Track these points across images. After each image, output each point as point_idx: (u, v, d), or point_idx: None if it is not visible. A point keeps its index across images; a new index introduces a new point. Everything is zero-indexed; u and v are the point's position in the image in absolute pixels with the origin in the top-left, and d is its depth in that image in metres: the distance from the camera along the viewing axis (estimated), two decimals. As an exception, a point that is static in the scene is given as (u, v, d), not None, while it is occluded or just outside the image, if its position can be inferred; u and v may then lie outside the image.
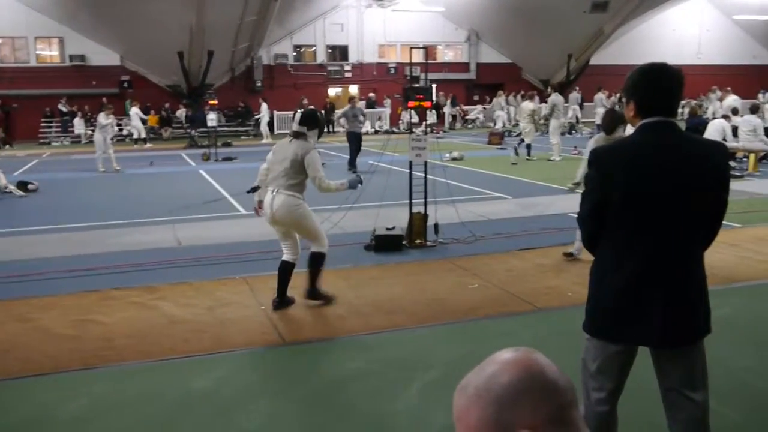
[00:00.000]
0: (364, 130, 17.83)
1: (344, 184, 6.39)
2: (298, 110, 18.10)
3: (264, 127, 28.26)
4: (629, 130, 3.68)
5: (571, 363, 3.10)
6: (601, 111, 23.62)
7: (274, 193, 6.10)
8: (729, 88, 20.81)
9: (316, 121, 6.39)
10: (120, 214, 11.56)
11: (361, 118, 17.34)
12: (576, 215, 3.17)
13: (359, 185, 6.64)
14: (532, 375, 1.18)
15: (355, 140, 17.02)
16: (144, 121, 27.59)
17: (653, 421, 3.39)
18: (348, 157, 16.99)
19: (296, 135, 6.28)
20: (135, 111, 26.90)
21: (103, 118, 17.84)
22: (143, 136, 26.95)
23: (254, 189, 6.66)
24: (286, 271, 6.41)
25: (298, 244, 6.46)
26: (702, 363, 2.95)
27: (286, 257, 6.42)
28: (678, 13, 37.60)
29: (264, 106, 28.36)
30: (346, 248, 8.34)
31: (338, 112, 23.14)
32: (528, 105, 19.41)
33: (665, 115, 2.83)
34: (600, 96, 28.75)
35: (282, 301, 6.41)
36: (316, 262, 6.36)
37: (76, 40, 29.85)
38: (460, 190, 12.43)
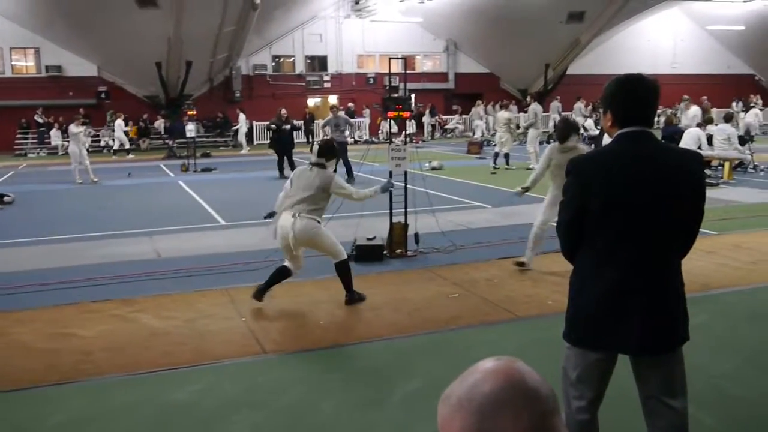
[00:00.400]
0: (350, 140, 17.85)
1: (377, 191, 7.17)
2: (275, 121, 18.14)
3: (242, 138, 28.16)
4: (606, 140, 3.73)
5: (551, 371, 3.12)
6: (580, 120, 23.82)
7: (295, 217, 6.49)
8: (686, 97, 20.92)
9: (333, 152, 7.00)
10: (98, 226, 11.46)
11: (343, 127, 17.34)
12: (555, 224, 3.19)
13: (390, 187, 7.56)
14: (513, 384, 1.19)
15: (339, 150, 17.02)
16: (126, 133, 27.40)
17: (633, 429, 3.41)
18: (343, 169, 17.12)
19: (317, 165, 6.77)
20: (119, 123, 26.76)
21: (73, 128, 17.73)
22: (126, 146, 26.76)
23: (271, 215, 7.08)
24: (282, 273, 6.81)
25: (302, 263, 6.94)
26: (681, 370, 2.99)
27: (287, 265, 6.83)
28: (653, 23, 38.08)
29: (242, 116, 28.29)
30: (326, 258, 8.32)
31: (320, 122, 23.08)
32: (504, 114, 19.51)
33: (642, 125, 2.87)
34: (579, 105, 28.99)
35: (263, 290, 6.73)
36: (344, 270, 6.79)
37: (53, 51, 29.60)
38: (440, 199, 12.47)
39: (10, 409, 4.65)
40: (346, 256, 6.84)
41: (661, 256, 2.88)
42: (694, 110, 18.97)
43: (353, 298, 6.80)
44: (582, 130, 25.83)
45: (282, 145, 18.15)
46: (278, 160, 18.06)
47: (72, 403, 4.71)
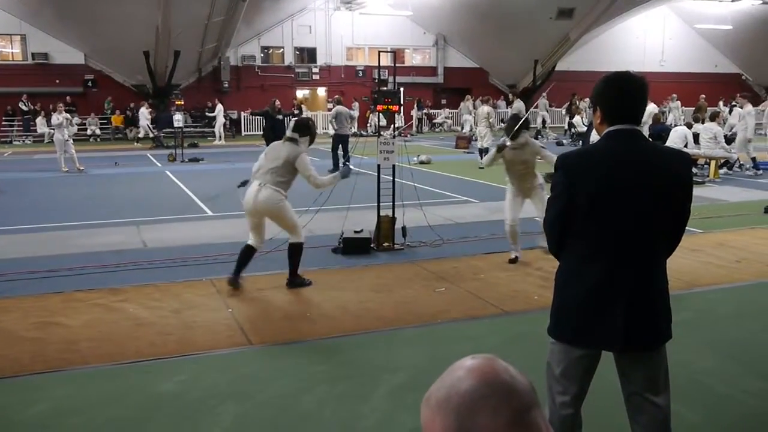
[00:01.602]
0: (344, 132, 17.93)
1: (336, 177, 7.29)
2: (269, 111, 18.14)
3: (219, 129, 27.79)
4: (594, 137, 3.75)
5: (537, 366, 3.15)
6: (577, 119, 23.95)
7: (260, 186, 6.75)
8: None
9: (307, 129, 7.06)
10: (84, 215, 11.40)
11: (343, 120, 17.47)
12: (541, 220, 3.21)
13: (350, 173, 7.53)
14: (488, 381, 1.22)
15: (337, 142, 17.26)
16: (150, 121, 27.18)
17: (617, 424, 3.45)
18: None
19: (289, 140, 6.95)
20: (143, 111, 26.79)
21: (55, 119, 17.65)
22: (150, 135, 26.62)
23: (244, 183, 7.30)
24: (247, 254, 6.98)
25: (264, 236, 7.10)
26: (664, 368, 3.02)
27: (251, 242, 7.01)
28: (642, 21, 38.21)
29: (219, 106, 27.80)
30: (313, 251, 8.32)
31: (308, 113, 22.93)
32: (484, 109, 19.52)
33: (630, 123, 2.89)
34: (543, 101, 29.00)
35: (236, 279, 6.93)
36: (296, 252, 7.00)
37: (39, 38, 29.31)
38: (428, 193, 12.48)
39: (-6, 398, 4.63)
40: (303, 240, 7.06)
41: (647, 255, 2.90)
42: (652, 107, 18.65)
43: (295, 281, 7.01)
44: (570, 128, 26.01)
45: (276, 134, 18.15)
46: None
47: (57, 392, 4.70)
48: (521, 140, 7.74)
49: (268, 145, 17.87)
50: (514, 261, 8.02)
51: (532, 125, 26.41)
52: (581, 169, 2.89)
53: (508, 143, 7.75)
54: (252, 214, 6.92)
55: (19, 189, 14.55)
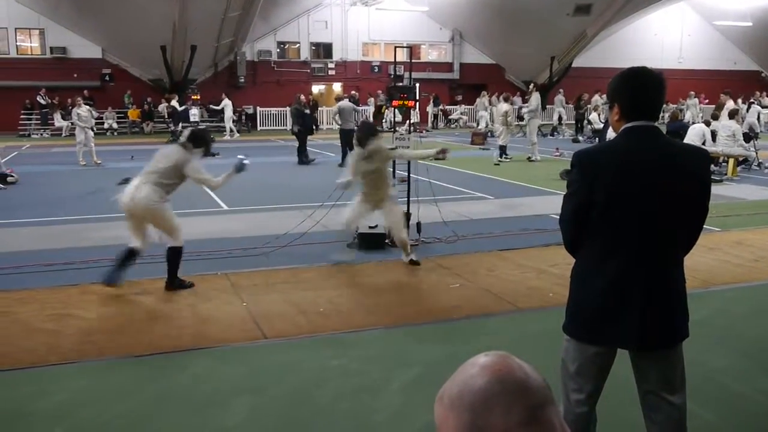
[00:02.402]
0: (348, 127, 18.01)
1: (231, 174, 7.11)
2: (297, 106, 18.24)
3: (228, 123, 27.42)
4: (611, 134, 3.70)
5: (551, 364, 3.14)
6: (594, 116, 23.77)
7: (141, 184, 6.53)
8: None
9: (203, 142, 6.95)
10: (100, 208, 11.44)
11: (348, 115, 17.55)
12: (557, 216, 3.18)
13: (245, 167, 7.19)
14: (501, 379, 1.21)
15: (343, 136, 17.37)
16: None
17: (632, 422, 3.42)
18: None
19: (182, 146, 6.81)
20: (227, 102, 26.97)
21: (81, 112, 17.77)
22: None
23: (126, 180, 7.19)
24: (128, 256, 6.73)
25: (147, 239, 6.86)
26: (680, 366, 2.99)
27: (133, 245, 6.77)
28: (660, 17, 37.90)
29: (226, 100, 27.39)
30: (328, 246, 8.33)
31: (324, 109, 22.80)
32: (503, 106, 19.46)
33: (648, 119, 2.85)
34: (560, 98, 28.88)
35: (114, 276, 6.65)
36: (174, 257, 6.79)
37: (58, 32, 29.56)
38: (442, 189, 12.46)
39: (11, 388, 4.67)
40: (182, 245, 6.84)
41: (665, 252, 2.87)
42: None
43: (174, 284, 6.79)
44: (578, 125, 25.85)
45: (306, 129, 18.26)
46: (300, 145, 18.11)
47: (72, 384, 4.73)
48: (371, 147, 7.54)
49: (300, 140, 18.04)
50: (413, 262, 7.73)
51: (545, 121, 26.40)
52: (599, 166, 2.85)
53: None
54: (129, 213, 6.68)
55: (37, 182, 14.66)
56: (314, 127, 18.65)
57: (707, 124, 15.91)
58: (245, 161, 7.15)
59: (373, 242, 8.49)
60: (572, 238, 3.00)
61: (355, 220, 7.91)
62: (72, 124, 23.07)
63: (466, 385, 1.23)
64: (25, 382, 4.76)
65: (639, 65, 2.97)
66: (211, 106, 29.19)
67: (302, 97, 18.34)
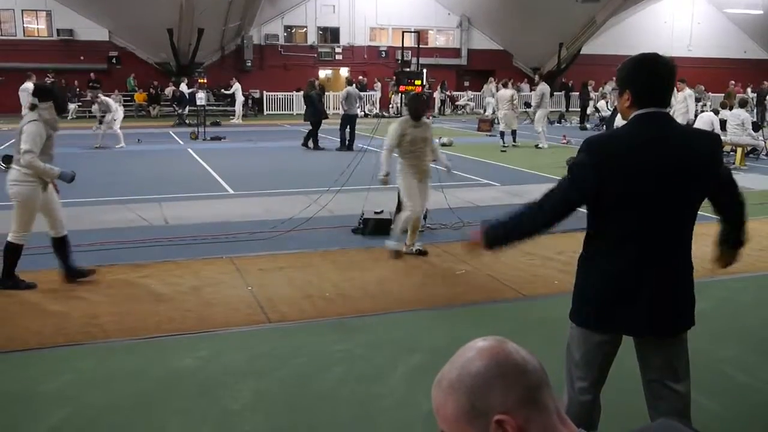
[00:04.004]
0: (360, 113, 18.30)
1: (55, 172, 6.14)
2: (312, 92, 18.27)
3: (239, 107, 27.59)
4: (619, 122, 3.66)
5: (556, 351, 3.14)
6: (602, 104, 23.69)
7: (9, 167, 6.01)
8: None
9: (47, 93, 6.07)
10: (106, 191, 11.49)
11: (353, 100, 17.79)
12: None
13: (71, 179, 6.42)
14: (498, 361, 1.24)
15: (345, 121, 17.59)
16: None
17: (635, 410, 3.42)
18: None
19: (31, 107, 6.01)
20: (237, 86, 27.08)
21: (110, 102, 18.27)
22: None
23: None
24: (54, 246, 6.40)
25: (57, 222, 6.41)
26: (685, 354, 2.98)
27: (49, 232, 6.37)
28: (670, 4, 37.63)
29: (236, 85, 27.40)
30: (333, 231, 8.35)
31: (330, 94, 22.68)
32: (506, 92, 19.41)
33: (659, 106, 2.81)
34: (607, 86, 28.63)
35: (74, 273, 6.41)
36: (10, 252, 6.22)
37: (65, 14, 29.49)
38: (449, 175, 12.42)
39: (17, 369, 4.70)
40: (22, 243, 6.23)
41: (674, 239, 2.85)
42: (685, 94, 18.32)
43: (6, 284, 6.20)
44: (594, 111, 25.74)
45: (318, 114, 18.29)
46: (314, 130, 18.14)
47: (79, 365, 4.76)
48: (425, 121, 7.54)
49: (313, 124, 18.07)
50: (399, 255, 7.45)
51: (553, 109, 26.26)
52: (608, 153, 2.80)
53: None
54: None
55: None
56: (322, 113, 18.71)
57: (716, 113, 15.82)
58: (74, 175, 6.46)
59: (378, 227, 8.49)
60: (556, 219, 2.87)
61: (422, 202, 7.56)
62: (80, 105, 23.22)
63: (465, 368, 1.25)
64: (32, 364, 4.79)
65: (649, 52, 2.92)
66: (222, 90, 29.16)
67: (317, 82, 18.39)
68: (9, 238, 6.25)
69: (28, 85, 17.47)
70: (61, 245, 6.41)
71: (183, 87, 27.04)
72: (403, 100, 9.23)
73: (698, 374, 3.29)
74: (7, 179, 6.07)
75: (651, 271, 2.82)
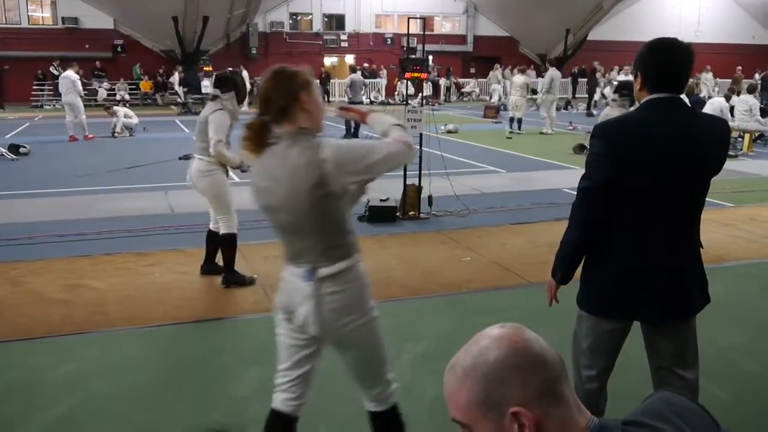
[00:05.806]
0: (366, 100, 18.24)
1: (237, 161, 5.95)
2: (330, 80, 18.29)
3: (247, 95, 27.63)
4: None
5: (562, 338, 3.12)
6: (608, 90, 23.53)
7: (194, 157, 5.99)
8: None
9: (230, 83, 6.02)
10: (112, 179, 11.49)
11: (357, 89, 17.71)
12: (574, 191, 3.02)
13: (246, 170, 6.12)
14: (518, 351, 1.19)
15: None
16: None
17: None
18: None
19: (212, 98, 6.01)
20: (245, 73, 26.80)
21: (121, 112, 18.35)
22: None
23: (187, 156, 6.48)
24: (208, 238, 6.36)
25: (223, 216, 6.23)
26: (693, 341, 2.96)
27: (211, 225, 6.33)
28: (678, -11, 37.34)
29: (245, 72, 27.40)
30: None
31: (336, 81, 22.59)
32: (520, 78, 19.33)
33: (673, 91, 2.76)
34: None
35: (207, 268, 6.39)
36: (227, 244, 6.12)
37: (69, 2, 29.45)
38: (454, 162, 12.40)
39: (24, 357, 4.71)
40: (235, 230, 6.14)
41: (685, 225, 2.82)
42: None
43: (230, 279, 6.13)
44: (601, 97, 25.61)
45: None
46: None
47: (85, 354, 4.77)
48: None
49: None
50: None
51: (561, 95, 26.13)
52: (621, 138, 2.74)
53: None
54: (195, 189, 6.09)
55: (50, 153, 14.71)
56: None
57: (727, 99, 15.69)
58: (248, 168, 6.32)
59: (384, 215, 8.47)
60: (594, 219, 2.81)
61: None
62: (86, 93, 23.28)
63: (481, 356, 1.20)
64: (40, 351, 4.80)
65: (666, 36, 2.87)
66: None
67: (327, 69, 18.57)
68: (223, 231, 6.08)
69: (69, 73, 17.12)
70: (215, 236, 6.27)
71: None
72: (408, 87, 9.19)
73: (706, 361, 3.26)
74: (192, 171, 5.92)
75: (664, 257, 2.78)
